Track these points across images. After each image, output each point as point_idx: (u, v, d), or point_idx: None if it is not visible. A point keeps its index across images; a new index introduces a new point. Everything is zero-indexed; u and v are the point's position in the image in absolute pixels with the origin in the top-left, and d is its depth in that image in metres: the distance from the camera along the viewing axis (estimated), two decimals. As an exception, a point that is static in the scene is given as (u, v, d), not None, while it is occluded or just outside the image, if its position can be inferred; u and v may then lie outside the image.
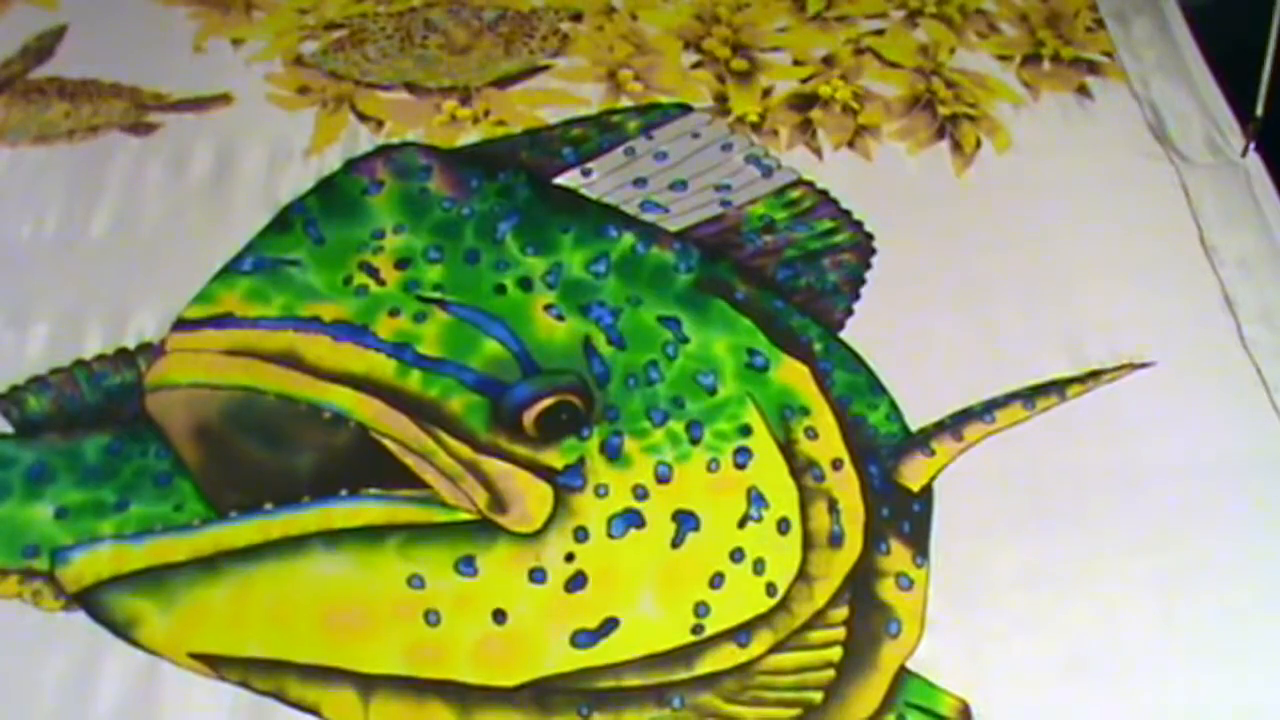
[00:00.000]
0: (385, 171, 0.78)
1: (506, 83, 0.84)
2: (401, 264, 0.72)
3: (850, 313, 0.72)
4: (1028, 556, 0.63)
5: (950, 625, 0.61)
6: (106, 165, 0.79)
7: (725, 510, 0.63)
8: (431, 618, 0.60)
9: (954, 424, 0.68)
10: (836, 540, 0.63)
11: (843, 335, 0.71)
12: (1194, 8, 0.91)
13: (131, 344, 0.69)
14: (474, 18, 0.89)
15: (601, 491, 0.63)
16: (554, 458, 0.64)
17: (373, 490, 0.63)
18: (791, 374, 0.69)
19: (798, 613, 0.61)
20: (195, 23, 0.88)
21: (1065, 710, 0.59)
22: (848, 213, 0.77)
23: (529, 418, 0.65)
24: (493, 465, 0.64)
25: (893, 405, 0.68)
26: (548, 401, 0.65)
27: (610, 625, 0.60)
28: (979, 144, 0.82)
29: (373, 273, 0.72)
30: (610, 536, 0.62)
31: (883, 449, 0.67)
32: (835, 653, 0.60)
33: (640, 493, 0.63)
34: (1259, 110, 0.80)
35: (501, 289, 0.71)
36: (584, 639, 0.60)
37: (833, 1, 0.91)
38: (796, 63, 0.87)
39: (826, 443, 0.66)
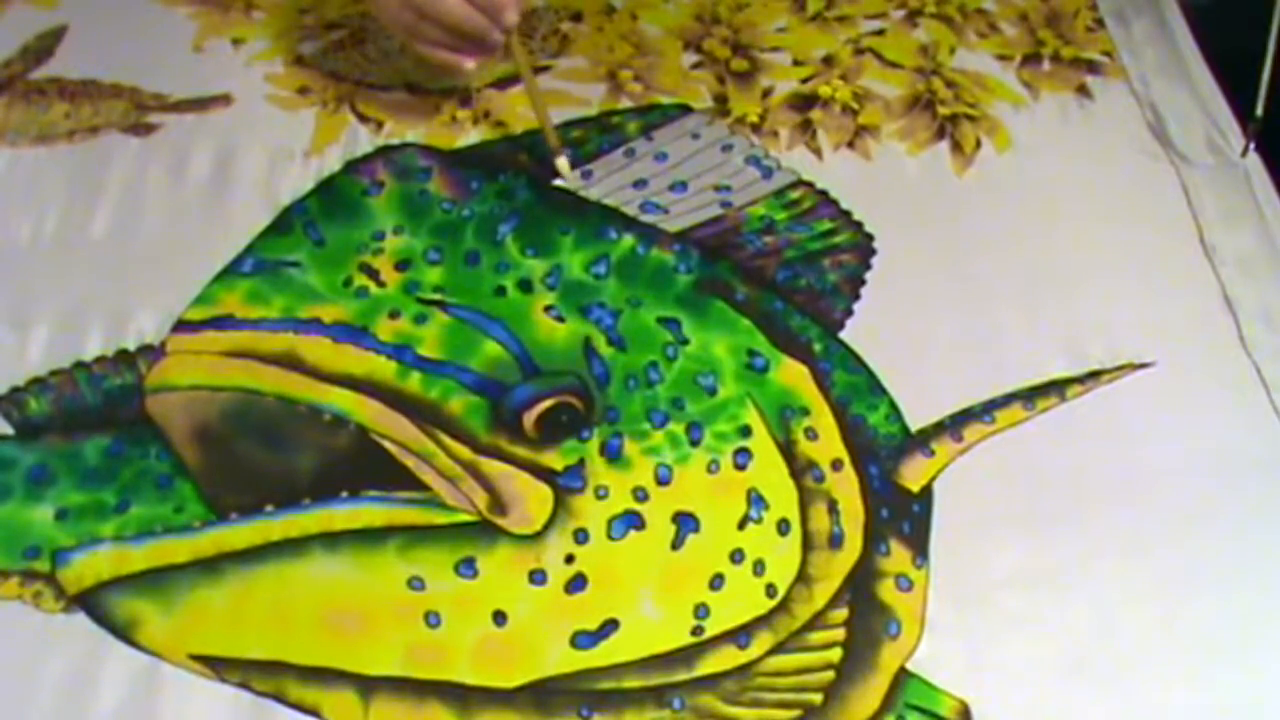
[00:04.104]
0: (385, 173, 0.78)
1: (506, 83, 0.84)
2: (401, 265, 0.72)
3: (850, 313, 0.72)
4: (1028, 557, 0.63)
5: (950, 626, 0.61)
6: (106, 166, 0.79)
7: (725, 511, 0.63)
8: (432, 619, 0.60)
9: (954, 424, 0.68)
10: (836, 541, 0.63)
11: (842, 336, 0.71)
12: (1194, 8, 0.91)
13: (132, 345, 0.69)
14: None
15: (601, 493, 0.63)
16: (554, 459, 0.64)
17: (373, 492, 0.63)
18: (791, 375, 0.69)
19: (797, 614, 0.61)
20: (195, 23, 0.88)
21: (1065, 710, 0.59)
22: (848, 213, 0.77)
23: (529, 419, 0.65)
24: (493, 467, 0.64)
25: (892, 406, 0.68)
26: (548, 403, 0.65)
27: (610, 627, 0.60)
28: (979, 144, 0.82)
29: (373, 274, 0.72)
30: (610, 538, 0.62)
31: (882, 450, 0.67)
32: (835, 654, 0.60)
33: (640, 494, 0.64)
34: (1259, 110, 0.80)
35: (501, 290, 0.71)
36: (584, 640, 0.60)
37: (833, 1, 0.91)
38: (796, 63, 0.87)
39: (826, 443, 0.66)
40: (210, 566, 0.61)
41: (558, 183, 0.78)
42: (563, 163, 0.78)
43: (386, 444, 0.64)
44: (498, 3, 0.74)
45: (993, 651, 0.60)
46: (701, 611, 0.61)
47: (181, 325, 0.70)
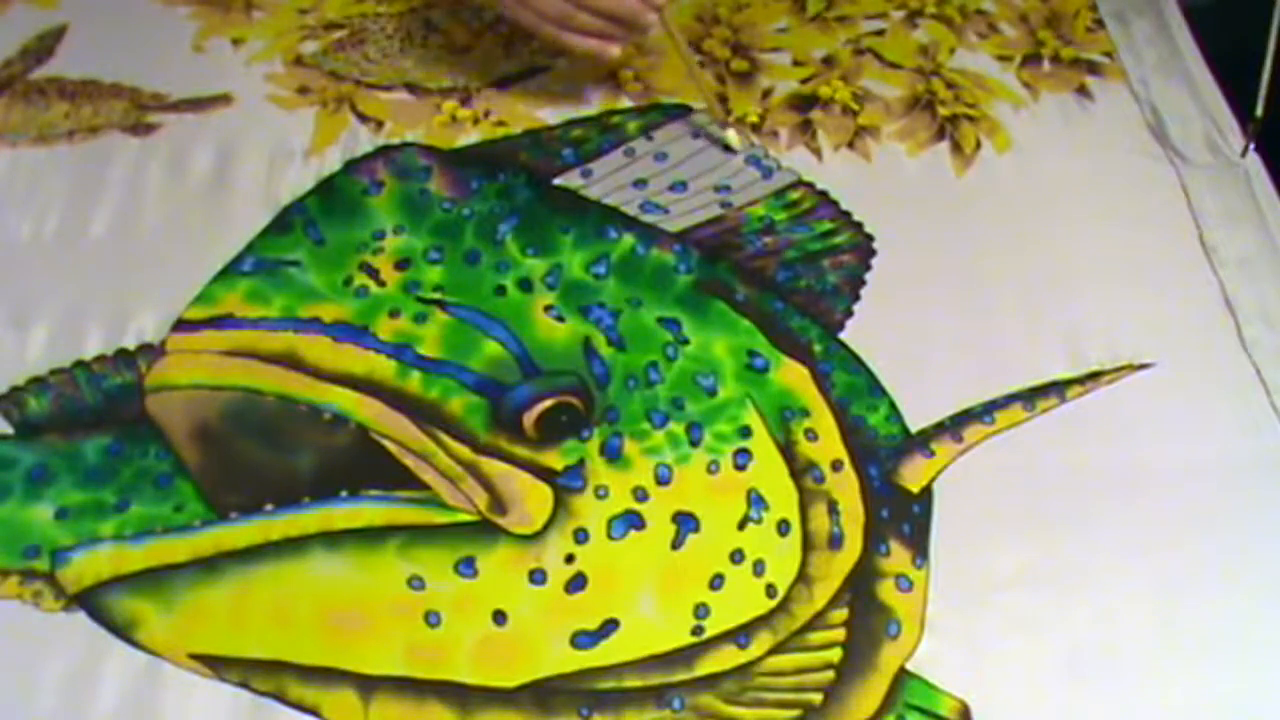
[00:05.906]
0: (385, 172, 0.78)
1: (507, 83, 0.84)
2: (401, 265, 0.72)
3: (850, 314, 0.72)
4: (1028, 557, 0.63)
5: (950, 626, 0.61)
6: (106, 165, 0.79)
7: (725, 512, 0.63)
8: (432, 618, 0.60)
9: (954, 425, 0.67)
10: (836, 542, 0.63)
11: (842, 336, 0.71)
12: (1194, 8, 0.91)
13: (131, 345, 0.69)
14: (474, 18, 0.89)
15: (601, 493, 0.63)
16: (554, 459, 0.64)
17: (373, 491, 0.63)
18: (791, 375, 0.69)
19: (797, 614, 0.61)
20: (195, 23, 0.88)
21: (1065, 710, 0.59)
22: (847, 214, 0.77)
23: (529, 419, 0.65)
24: (493, 466, 0.64)
25: (892, 406, 0.68)
26: (548, 403, 0.65)
27: (610, 626, 0.60)
28: (979, 144, 0.82)
29: (373, 273, 0.72)
30: (610, 538, 0.62)
31: (882, 450, 0.67)
32: (835, 654, 0.60)
33: (640, 494, 0.64)
34: (1259, 110, 0.80)
35: (502, 290, 0.71)
36: (584, 640, 0.60)
37: (833, 2, 0.91)
38: (796, 63, 0.87)
39: (826, 444, 0.66)
40: (210, 566, 0.61)
41: (560, 181, 0.77)
42: (732, 134, 0.80)
43: (386, 443, 0.64)
44: None
45: (993, 651, 0.60)
46: (701, 611, 0.61)
47: (181, 325, 0.70)
